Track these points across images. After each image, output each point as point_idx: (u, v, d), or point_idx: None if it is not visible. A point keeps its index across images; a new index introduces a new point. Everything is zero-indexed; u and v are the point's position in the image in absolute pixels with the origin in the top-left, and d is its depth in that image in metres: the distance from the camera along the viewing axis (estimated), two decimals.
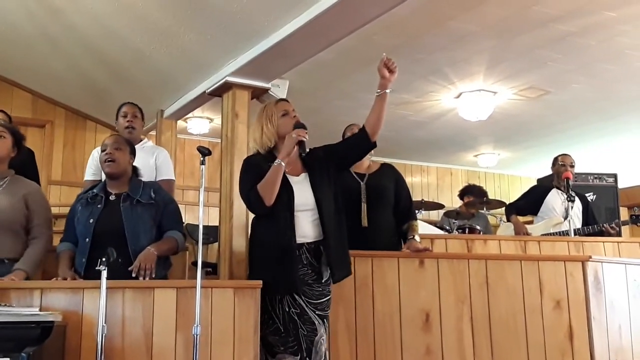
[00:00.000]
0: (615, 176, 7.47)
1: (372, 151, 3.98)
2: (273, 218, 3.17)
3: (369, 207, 3.96)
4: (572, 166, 5.55)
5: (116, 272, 3.16)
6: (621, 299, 4.05)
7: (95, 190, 3.54)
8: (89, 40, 5.64)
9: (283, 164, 3.13)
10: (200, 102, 6.09)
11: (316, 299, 3.15)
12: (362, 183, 4.03)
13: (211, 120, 7.97)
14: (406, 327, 3.68)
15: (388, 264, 3.75)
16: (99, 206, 3.46)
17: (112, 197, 3.50)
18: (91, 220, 3.41)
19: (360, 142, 3.39)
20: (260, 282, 3.21)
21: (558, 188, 5.56)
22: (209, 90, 5.41)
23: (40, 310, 2.88)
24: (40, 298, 2.99)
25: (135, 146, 3.87)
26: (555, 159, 5.66)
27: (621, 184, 7.64)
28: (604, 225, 5.34)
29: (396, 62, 3.31)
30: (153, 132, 6.89)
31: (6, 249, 3.35)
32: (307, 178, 3.28)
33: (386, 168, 4.20)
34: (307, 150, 3.20)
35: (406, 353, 3.66)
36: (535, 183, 7.61)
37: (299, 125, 3.23)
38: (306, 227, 3.18)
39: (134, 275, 3.21)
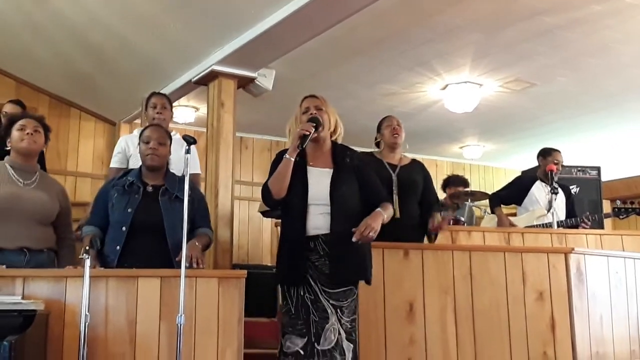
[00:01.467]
0: (598, 169, 7.53)
1: (407, 145, 4.29)
2: (289, 209, 3.23)
3: (399, 199, 4.04)
4: (562, 165, 5.63)
5: (155, 262, 3.26)
6: (603, 290, 4.10)
7: (131, 178, 3.54)
8: (74, 28, 5.59)
9: (291, 158, 3.16)
10: (186, 90, 6.07)
11: (331, 288, 3.15)
12: (393, 174, 4.12)
13: (197, 109, 7.93)
14: (390, 317, 3.70)
15: (373, 255, 3.75)
16: (136, 196, 3.46)
17: (149, 189, 3.51)
18: (129, 210, 3.41)
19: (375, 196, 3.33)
20: (245, 272, 3.22)
21: (542, 180, 5.60)
22: (194, 79, 5.40)
23: (23, 298, 2.86)
24: (22, 286, 2.96)
25: None
26: (547, 153, 5.66)
27: (604, 177, 7.71)
28: (582, 219, 5.40)
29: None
30: (138, 120, 6.86)
31: (47, 240, 3.49)
32: (330, 173, 3.27)
33: (417, 163, 4.34)
34: (305, 144, 3.16)
35: (390, 343, 3.68)
36: (519, 174, 7.65)
37: (310, 120, 3.23)
38: (318, 218, 3.18)
39: (187, 265, 3.17)
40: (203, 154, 5.15)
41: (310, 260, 3.15)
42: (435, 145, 9.79)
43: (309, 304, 3.13)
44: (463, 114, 7.27)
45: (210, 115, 5.16)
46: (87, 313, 2.80)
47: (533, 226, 5.41)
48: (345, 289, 3.18)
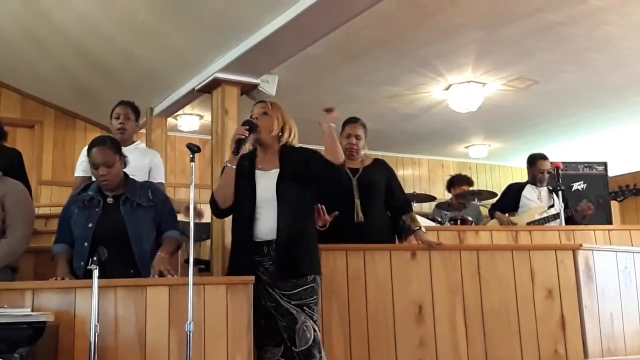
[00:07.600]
0: (605, 164, 7.51)
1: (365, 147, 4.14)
2: (238, 215, 3.25)
3: (362, 202, 3.98)
4: (549, 173, 5.60)
5: (123, 274, 3.22)
6: (612, 287, 4.08)
7: (90, 193, 3.48)
8: (77, 40, 5.61)
9: (232, 166, 3.21)
10: (190, 99, 6.07)
11: (289, 291, 3.16)
12: (354, 179, 4.04)
13: (201, 117, 7.96)
14: (399, 319, 3.70)
15: (380, 257, 3.77)
16: (96, 210, 3.42)
17: (109, 200, 3.47)
18: (90, 225, 3.36)
19: (325, 168, 3.29)
20: (252, 277, 3.21)
21: (532, 184, 5.63)
22: (198, 87, 5.40)
23: (32, 310, 2.87)
24: (32, 299, 2.98)
25: (128, 147, 3.86)
26: (533, 162, 5.68)
27: (611, 172, 7.68)
28: (575, 209, 5.37)
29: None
30: (143, 131, 6.87)
31: None
32: (276, 173, 3.29)
33: (378, 163, 4.23)
34: (241, 149, 3.20)
35: (400, 345, 3.68)
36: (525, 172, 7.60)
37: (243, 124, 3.25)
38: (270, 222, 3.20)
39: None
40: (209, 162, 5.16)
41: (263, 265, 3.20)
42: (440, 145, 9.78)
43: (273, 312, 3.16)
44: (467, 114, 7.26)
45: (215, 122, 5.16)
46: (97, 323, 2.80)
47: (540, 221, 5.39)
48: (306, 286, 3.18)
